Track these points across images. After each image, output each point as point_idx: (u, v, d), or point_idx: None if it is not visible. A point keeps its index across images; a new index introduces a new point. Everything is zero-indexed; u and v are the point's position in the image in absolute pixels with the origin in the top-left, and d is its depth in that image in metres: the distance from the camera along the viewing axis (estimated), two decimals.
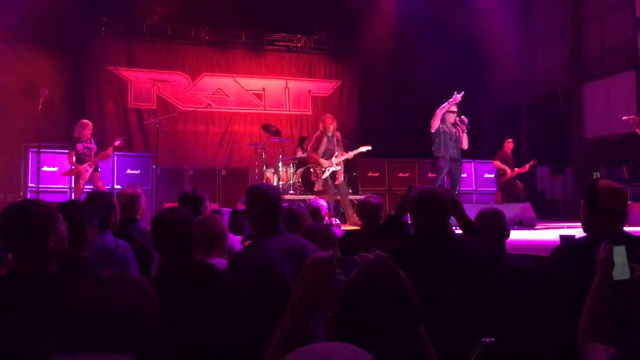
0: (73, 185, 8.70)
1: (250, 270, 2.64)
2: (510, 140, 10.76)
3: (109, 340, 1.11)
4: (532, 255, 3.60)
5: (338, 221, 7.80)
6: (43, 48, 10.22)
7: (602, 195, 2.55)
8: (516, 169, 10.49)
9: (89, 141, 8.31)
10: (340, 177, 9.09)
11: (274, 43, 13.42)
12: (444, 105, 8.16)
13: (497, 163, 10.60)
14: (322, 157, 8.89)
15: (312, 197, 7.73)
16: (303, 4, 13.01)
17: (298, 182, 10.27)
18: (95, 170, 8.38)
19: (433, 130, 8.17)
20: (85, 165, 8.20)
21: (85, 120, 8.45)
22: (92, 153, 8.28)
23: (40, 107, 7.60)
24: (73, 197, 8.27)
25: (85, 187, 8.27)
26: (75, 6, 10.82)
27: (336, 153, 8.99)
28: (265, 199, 2.84)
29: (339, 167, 8.98)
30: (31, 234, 1.99)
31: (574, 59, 12.57)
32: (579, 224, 2.76)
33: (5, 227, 2.03)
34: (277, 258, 2.66)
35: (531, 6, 13.76)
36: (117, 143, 8.41)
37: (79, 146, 8.22)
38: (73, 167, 8.23)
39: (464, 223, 3.03)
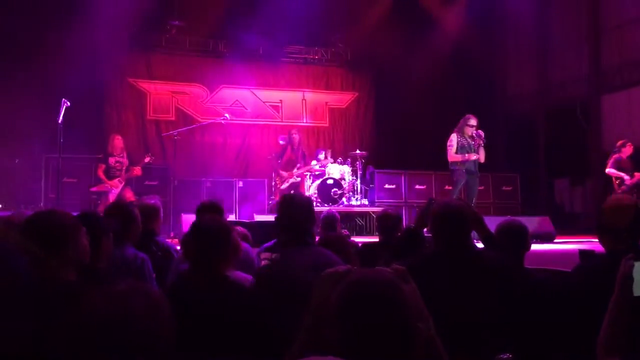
0: (99, 198, 8.55)
1: (277, 285, 2.61)
2: (628, 143, 9.35)
3: (120, 352, 1.12)
4: (551, 269, 3.57)
5: (347, 232, 7.80)
6: (64, 59, 10.43)
7: (607, 213, 2.49)
8: (637, 174, 9.09)
9: (120, 155, 8.32)
10: (303, 190, 9.12)
11: (291, 55, 13.49)
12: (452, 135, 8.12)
13: (612, 171, 9.26)
14: (283, 169, 9.00)
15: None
16: (320, 16, 13.08)
17: (315, 193, 10.29)
18: (127, 185, 8.38)
19: (450, 160, 8.11)
20: (116, 181, 8.21)
21: (117, 135, 8.51)
22: (124, 168, 8.27)
23: (61, 118, 7.66)
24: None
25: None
26: (95, 19, 11.00)
27: (298, 165, 9.03)
28: (296, 210, 2.82)
29: (298, 179, 9.01)
30: (50, 243, 2.02)
31: (593, 70, 12.45)
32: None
33: (28, 235, 2.07)
34: (303, 273, 2.65)
35: (548, 16, 13.69)
36: (146, 160, 8.40)
37: (111, 160, 8.24)
38: (104, 182, 8.20)
39: (485, 237, 3.00)
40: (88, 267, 2.42)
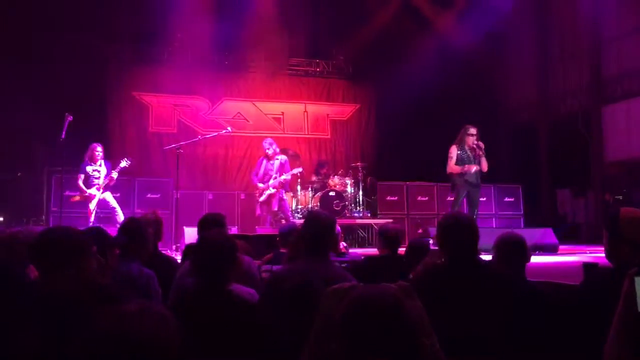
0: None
1: (287, 291, 2.63)
2: None
3: None
4: (555, 282, 3.57)
5: (345, 244, 7.76)
6: (65, 72, 10.51)
7: (624, 224, 2.48)
8: None
9: (98, 164, 8.33)
10: (274, 203, 9.13)
11: (292, 68, 13.56)
12: (453, 149, 8.11)
13: None
14: (260, 181, 9.05)
15: None
16: (321, 29, 13.18)
17: (316, 205, 10.29)
18: (105, 191, 8.35)
19: (448, 172, 8.10)
20: (94, 190, 8.22)
21: (95, 144, 8.48)
22: (101, 176, 8.28)
23: (64, 133, 7.68)
24: (91, 220, 8.24)
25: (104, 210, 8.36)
26: (97, 33, 11.08)
27: (274, 176, 9.06)
28: (320, 226, 2.91)
29: (273, 190, 9.04)
30: (61, 259, 2.04)
31: (593, 81, 12.49)
32: (602, 248, 2.70)
33: (39, 250, 2.09)
34: (316, 284, 2.67)
35: (549, 28, 13.76)
36: (121, 165, 8.33)
37: (89, 169, 8.27)
38: (82, 191, 8.24)
39: None
40: (94, 282, 2.44)
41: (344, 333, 1.39)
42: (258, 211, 9.30)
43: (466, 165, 7.89)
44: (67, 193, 8.50)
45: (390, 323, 1.37)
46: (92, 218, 8.23)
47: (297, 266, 2.84)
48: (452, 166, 7.96)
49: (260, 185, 9.07)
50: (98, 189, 8.25)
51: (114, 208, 8.40)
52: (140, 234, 3.24)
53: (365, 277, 3.19)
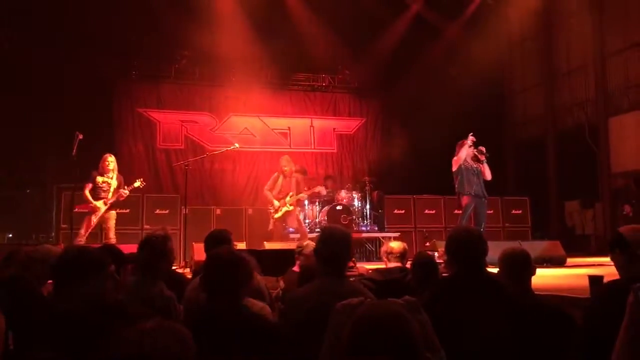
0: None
1: (312, 313, 2.61)
2: None
3: None
4: (562, 296, 3.57)
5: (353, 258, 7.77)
6: (74, 90, 10.64)
7: (633, 241, 2.52)
8: None
9: (109, 176, 7.92)
10: (292, 220, 9.14)
11: (298, 83, 13.66)
12: (460, 148, 8.17)
13: None
14: (275, 197, 9.03)
15: None
16: (326, 44, 13.27)
17: (324, 219, 10.31)
18: (111, 208, 7.95)
19: (454, 169, 8.16)
20: (101, 202, 7.83)
21: (107, 154, 8.11)
22: (110, 189, 7.86)
23: (74, 150, 7.69)
24: (82, 233, 7.76)
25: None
26: (105, 50, 11.22)
27: (291, 193, 9.07)
28: (337, 243, 2.84)
29: (291, 207, 9.06)
30: (78, 276, 2.09)
31: (600, 93, 12.51)
32: (609, 259, 2.72)
33: (62, 269, 2.15)
34: (332, 303, 2.65)
35: (554, 41, 13.81)
36: (135, 185, 8.04)
37: (98, 179, 7.87)
38: (89, 202, 7.81)
39: None
40: (109, 299, 2.48)
41: (349, 350, 1.41)
42: (271, 226, 9.29)
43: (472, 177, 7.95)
44: (76, 209, 8.33)
45: (395, 341, 1.40)
46: (86, 232, 7.78)
47: (315, 285, 2.79)
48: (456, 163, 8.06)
49: (277, 202, 9.06)
50: (105, 203, 7.86)
51: (109, 229, 7.95)
52: (163, 252, 3.18)
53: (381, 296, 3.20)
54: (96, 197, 7.89)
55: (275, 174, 9.27)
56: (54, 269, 2.14)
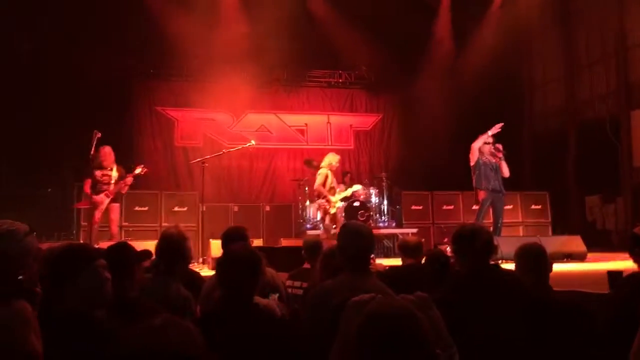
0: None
1: (335, 306, 2.61)
2: None
3: None
4: (578, 290, 3.52)
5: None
6: (93, 88, 10.75)
7: None
8: None
9: (109, 169, 7.73)
10: (339, 215, 9.25)
11: (315, 79, 13.64)
12: (480, 136, 8.12)
13: None
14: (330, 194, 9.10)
15: None
16: (342, 39, 13.21)
17: (341, 215, 10.30)
18: (114, 201, 7.77)
19: (472, 164, 8.11)
20: (102, 195, 7.62)
21: (107, 146, 7.89)
22: (112, 181, 7.68)
23: (93, 148, 7.74)
24: (94, 229, 7.66)
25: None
26: (123, 49, 11.31)
27: (338, 189, 9.14)
28: (362, 239, 2.84)
29: (341, 204, 9.17)
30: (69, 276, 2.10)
31: (621, 86, 12.31)
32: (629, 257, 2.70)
33: (50, 269, 2.15)
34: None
35: (574, 33, 13.62)
36: (136, 172, 7.82)
37: (98, 173, 7.66)
38: (90, 197, 7.65)
39: None
40: (120, 296, 2.49)
41: (360, 347, 1.41)
42: (328, 221, 9.25)
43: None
44: (75, 207, 8.18)
45: (404, 337, 1.38)
46: (91, 228, 7.64)
47: (343, 280, 2.77)
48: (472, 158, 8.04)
49: (333, 198, 9.10)
50: (107, 195, 7.65)
51: (112, 221, 7.83)
52: (180, 252, 3.16)
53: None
54: (98, 192, 7.72)
55: (324, 170, 9.11)
56: (41, 271, 2.14)
